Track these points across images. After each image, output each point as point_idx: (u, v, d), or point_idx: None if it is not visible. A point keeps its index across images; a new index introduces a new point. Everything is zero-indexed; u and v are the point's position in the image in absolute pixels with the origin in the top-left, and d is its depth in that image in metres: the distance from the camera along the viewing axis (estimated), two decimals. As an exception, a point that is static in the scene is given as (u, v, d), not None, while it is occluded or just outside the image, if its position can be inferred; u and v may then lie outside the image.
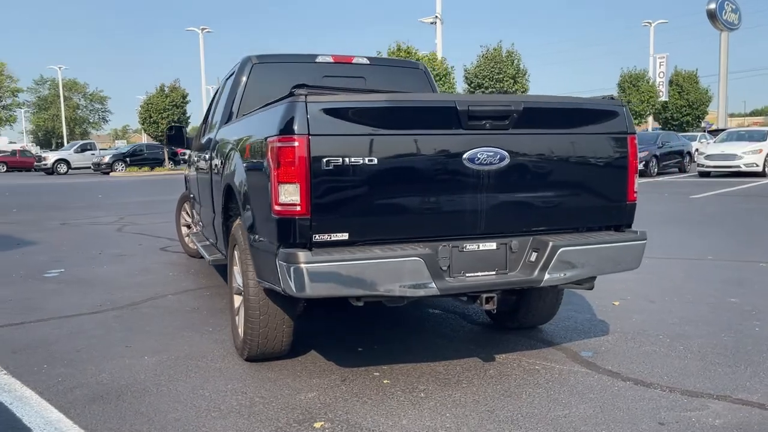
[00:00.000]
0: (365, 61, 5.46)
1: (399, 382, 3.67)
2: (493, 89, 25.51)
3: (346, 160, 3.05)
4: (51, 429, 3.12)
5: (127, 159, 36.09)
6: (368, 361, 4.01)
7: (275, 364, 3.97)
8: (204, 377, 3.79)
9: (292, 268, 2.99)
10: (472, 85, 26.27)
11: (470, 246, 3.36)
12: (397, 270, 3.10)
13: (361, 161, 3.07)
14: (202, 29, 38.52)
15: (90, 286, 6.35)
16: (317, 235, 3.08)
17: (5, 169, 44.78)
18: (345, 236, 3.13)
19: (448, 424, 3.12)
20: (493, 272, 3.41)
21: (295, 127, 2.98)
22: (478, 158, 3.26)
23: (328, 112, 3.04)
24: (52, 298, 5.88)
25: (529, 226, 3.50)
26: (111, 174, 34.17)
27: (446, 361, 4.01)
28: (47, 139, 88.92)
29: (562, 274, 3.42)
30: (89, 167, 36.89)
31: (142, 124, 34.72)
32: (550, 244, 3.40)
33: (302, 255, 2.99)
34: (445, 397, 3.44)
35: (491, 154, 3.29)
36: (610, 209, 3.68)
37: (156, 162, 36.30)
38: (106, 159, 36.04)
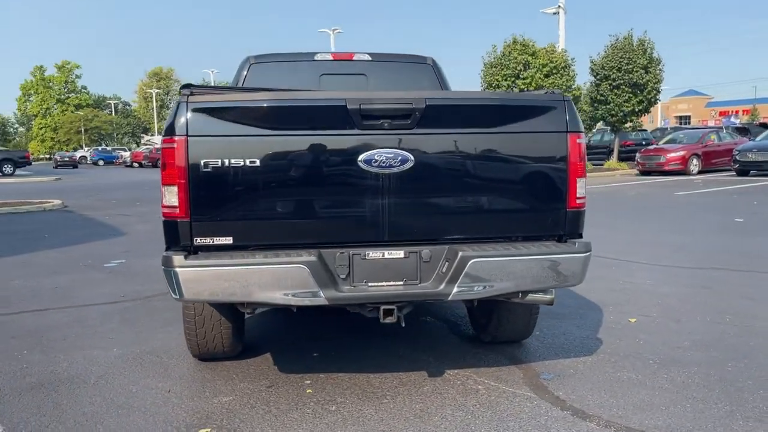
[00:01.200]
0: (367, 57, 5.30)
1: (322, 392, 3.52)
2: (621, 81, 23.89)
3: (227, 161, 2.96)
4: (-25, 413, 3.36)
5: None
6: (311, 368, 3.89)
7: (220, 365, 3.98)
8: (146, 373, 3.88)
9: (170, 272, 2.97)
10: (597, 77, 24.75)
11: (374, 254, 3.14)
12: (278, 277, 2.97)
13: (244, 163, 2.97)
14: (333, 30, 39.74)
15: (132, 278, 6.76)
16: (199, 239, 3.03)
17: (164, 164, 49.08)
18: (229, 240, 3.05)
19: (330, 442, 2.95)
20: (401, 282, 3.16)
21: (175, 128, 2.95)
22: (376, 160, 3.03)
23: (209, 112, 2.97)
24: (91, 287, 6.33)
25: (443, 234, 3.20)
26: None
27: (391, 372, 3.79)
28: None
29: (474, 288, 3.10)
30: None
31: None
32: (459, 254, 3.08)
33: (176, 259, 2.95)
34: (353, 413, 3.25)
35: (391, 156, 3.04)
36: (546, 217, 3.27)
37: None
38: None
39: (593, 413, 3.21)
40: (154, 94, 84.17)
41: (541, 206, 3.24)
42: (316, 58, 5.25)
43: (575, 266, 3.20)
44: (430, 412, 3.25)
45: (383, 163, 3.02)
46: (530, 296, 3.50)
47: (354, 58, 5.27)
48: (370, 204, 3.08)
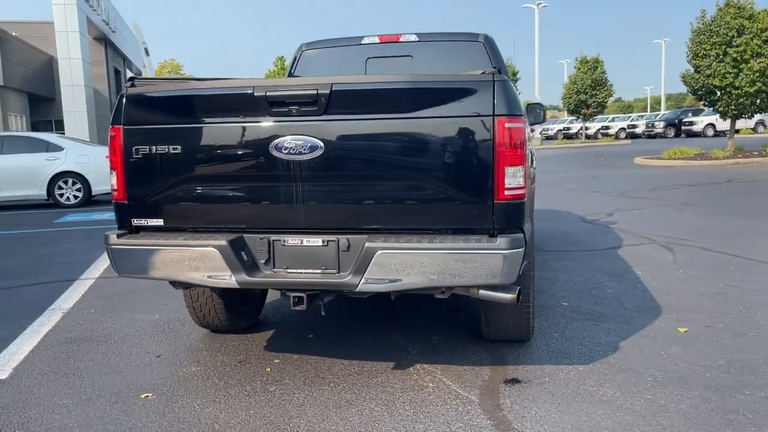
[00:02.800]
0: (413, 38, 5.16)
1: (278, 373, 3.61)
2: None
3: (154, 148, 3.16)
4: (8, 355, 4.02)
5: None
6: (292, 348, 4.00)
7: (222, 337, 4.26)
8: (157, 338, 4.30)
9: (107, 249, 3.28)
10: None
11: (292, 240, 3.13)
12: (194, 259, 3.11)
13: (168, 150, 3.14)
14: (538, 4, 38.25)
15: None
16: (135, 220, 3.28)
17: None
18: (160, 222, 3.26)
19: (236, 419, 3.04)
20: (319, 271, 3.12)
21: (116, 118, 3.23)
22: (286, 147, 3.01)
23: (140, 103, 3.19)
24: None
25: (360, 224, 3.07)
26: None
27: (362, 360, 3.75)
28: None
29: (382, 281, 2.94)
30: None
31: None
32: (366, 245, 2.95)
33: (111, 237, 3.25)
34: (283, 396, 3.30)
35: (300, 143, 2.99)
36: (471, 210, 2.96)
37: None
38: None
39: (518, 428, 2.89)
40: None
41: (463, 197, 2.95)
42: (363, 41, 5.25)
43: (494, 264, 2.87)
44: (354, 403, 3.18)
45: (293, 150, 3.00)
46: (485, 293, 3.24)
47: (401, 40, 5.18)
48: (284, 191, 3.08)
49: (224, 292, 4.02)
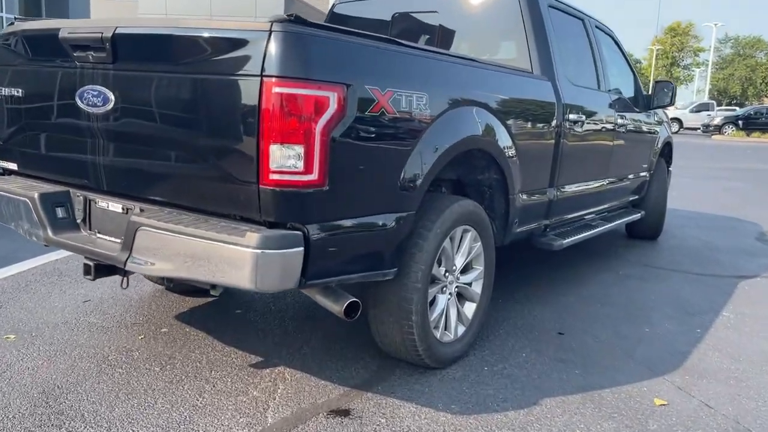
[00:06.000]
0: (442, -10, 4.36)
1: (143, 343, 3.40)
2: None
3: (5, 90, 3.04)
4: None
5: (740, 122, 32.95)
6: (199, 322, 3.74)
7: (163, 296, 4.16)
8: (114, 287, 4.32)
9: None
10: None
11: (101, 203, 2.83)
12: (17, 208, 2.97)
13: (12, 93, 2.99)
14: None
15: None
16: (1, 162, 3.25)
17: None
18: (15, 166, 3.18)
19: (46, 372, 2.92)
20: (119, 239, 2.77)
21: None
22: (86, 97, 2.67)
23: (5, 44, 3.09)
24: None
25: (150, 193, 2.63)
26: (713, 137, 31.98)
27: (235, 350, 3.36)
28: (718, 99, 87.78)
29: (142, 262, 2.51)
30: (699, 128, 35.37)
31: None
32: (131, 218, 2.53)
33: None
34: (109, 361, 3.08)
35: (95, 93, 2.64)
36: (238, 193, 2.32)
37: (773, 127, 31.89)
38: (716, 121, 33.79)
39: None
40: (654, 51, 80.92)
41: (229, 177, 2.33)
42: (392, -5, 4.61)
43: (242, 263, 2.23)
44: (135, 393, 2.84)
45: (90, 101, 2.67)
46: (320, 299, 2.70)
47: (430, -7, 4.44)
48: (89, 146, 2.77)
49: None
